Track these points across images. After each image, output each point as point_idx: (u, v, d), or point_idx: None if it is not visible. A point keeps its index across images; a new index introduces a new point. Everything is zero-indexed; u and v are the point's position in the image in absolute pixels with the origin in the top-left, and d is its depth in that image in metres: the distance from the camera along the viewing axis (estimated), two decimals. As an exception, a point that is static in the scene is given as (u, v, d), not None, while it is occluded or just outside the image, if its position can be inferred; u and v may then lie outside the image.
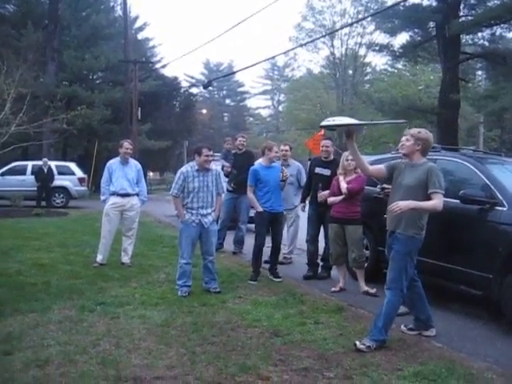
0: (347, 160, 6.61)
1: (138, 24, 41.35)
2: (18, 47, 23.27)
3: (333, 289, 6.68)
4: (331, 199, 6.74)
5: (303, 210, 8.13)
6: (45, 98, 22.59)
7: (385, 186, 5.82)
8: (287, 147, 8.56)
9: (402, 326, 5.03)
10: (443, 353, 4.37)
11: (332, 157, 7.59)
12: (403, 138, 4.79)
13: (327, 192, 7.14)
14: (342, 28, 37.43)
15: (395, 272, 4.58)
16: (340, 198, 6.60)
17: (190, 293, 6.09)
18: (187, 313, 5.32)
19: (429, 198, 4.54)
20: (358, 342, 4.39)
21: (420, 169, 4.62)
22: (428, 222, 4.67)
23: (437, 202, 4.49)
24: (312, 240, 7.54)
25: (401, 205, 4.41)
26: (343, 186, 6.56)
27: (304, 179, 8.25)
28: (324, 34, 38.91)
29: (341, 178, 6.68)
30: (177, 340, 4.52)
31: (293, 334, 4.74)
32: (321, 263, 7.61)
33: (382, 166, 4.99)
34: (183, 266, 6.18)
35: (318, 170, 7.52)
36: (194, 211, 6.17)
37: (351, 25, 37.38)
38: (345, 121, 4.82)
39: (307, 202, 7.94)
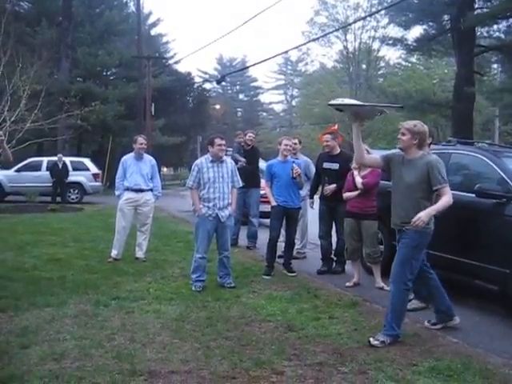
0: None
1: (151, 20, 41.50)
2: (32, 44, 23.43)
3: (347, 284, 6.66)
4: (347, 194, 6.70)
5: (312, 207, 8.08)
6: (59, 94, 22.72)
7: None
8: (296, 141, 8.45)
9: (426, 322, 5.01)
10: (459, 348, 4.35)
11: (338, 150, 7.54)
12: (400, 132, 4.69)
13: (333, 186, 7.15)
14: (355, 22, 37.20)
15: (400, 265, 4.54)
16: (356, 193, 6.56)
17: (204, 287, 6.11)
18: (201, 307, 5.34)
19: (431, 192, 4.50)
20: (371, 339, 4.37)
21: (419, 164, 4.53)
22: (443, 217, 4.62)
23: (447, 197, 4.44)
24: (325, 235, 7.52)
25: (423, 218, 4.33)
26: (358, 180, 6.52)
27: (313, 173, 8.19)
28: (337, 28, 38.69)
29: (355, 172, 6.64)
30: (191, 334, 4.53)
31: (307, 328, 4.74)
32: (335, 258, 7.58)
33: (377, 156, 4.97)
34: (198, 260, 6.20)
35: (326, 164, 7.48)
36: (211, 204, 6.17)
37: (364, 18, 37.08)
38: (353, 102, 4.82)
39: (317, 197, 7.90)
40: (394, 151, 4.97)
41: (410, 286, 4.57)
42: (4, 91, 15.31)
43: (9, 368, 3.74)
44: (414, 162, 4.56)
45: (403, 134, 4.60)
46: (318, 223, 7.62)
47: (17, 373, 3.64)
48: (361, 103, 4.88)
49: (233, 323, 4.85)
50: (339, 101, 4.76)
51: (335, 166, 7.36)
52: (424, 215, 4.34)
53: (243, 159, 9.27)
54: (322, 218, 7.53)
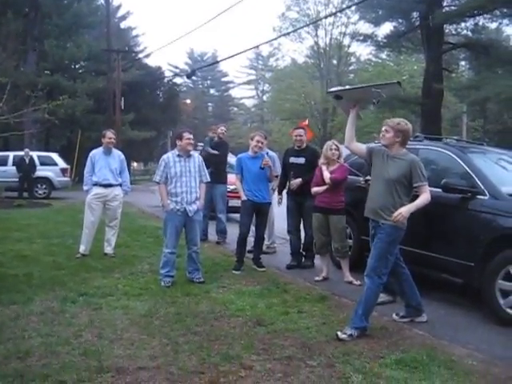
0: (331, 149, 6.63)
1: (120, 13, 40.86)
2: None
3: (316, 278, 6.71)
4: (315, 189, 6.73)
5: (279, 203, 8.00)
6: (25, 87, 22.24)
7: (368, 178, 5.90)
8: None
9: (394, 315, 5.08)
10: (425, 340, 4.42)
11: (304, 145, 7.59)
12: (383, 129, 4.82)
13: (299, 180, 7.20)
14: (325, 17, 37.37)
15: (375, 259, 4.61)
16: (324, 187, 6.60)
17: (173, 283, 6.07)
18: (170, 303, 5.31)
19: (409, 189, 4.65)
20: (339, 333, 4.41)
21: (402, 161, 4.66)
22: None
23: (426, 194, 4.62)
24: (294, 230, 7.55)
25: (404, 213, 4.49)
26: (326, 175, 6.56)
27: (278, 168, 8.09)
28: (308, 23, 38.82)
29: (324, 167, 6.68)
30: (160, 330, 4.50)
31: (276, 323, 4.76)
32: (304, 253, 7.61)
33: (364, 146, 5.12)
34: (167, 255, 6.16)
35: (292, 159, 7.51)
36: (178, 198, 6.14)
37: (335, 14, 37.27)
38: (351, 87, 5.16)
39: (284, 193, 7.88)
40: (378, 145, 5.08)
41: (384, 279, 4.64)
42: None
43: (-28, 367, 3.67)
44: (398, 158, 4.69)
45: (387, 131, 4.73)
46: (286, 218, 7.64)
47: (-20, 371, 3.58)
48: (359, 86, 5.07)
49: (202, 318, 4.84)
50: (338, 88, 4.96)
51: (301, 160, 7.41)
52: (404, 211, 4.50)
53: (215, 151, 9.24)
54: (290, 213, 7.57)
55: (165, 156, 6.36)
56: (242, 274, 6.74)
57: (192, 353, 3.99)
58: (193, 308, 5.17)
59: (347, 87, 5.27)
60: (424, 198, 4.61)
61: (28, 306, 5.08)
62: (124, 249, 8.22)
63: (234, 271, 6.82)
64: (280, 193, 7.97)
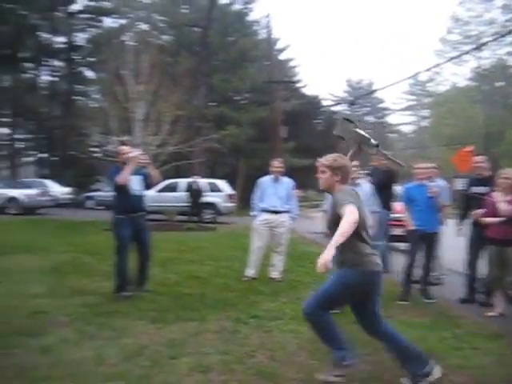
0: (502, 177, 6.21)
1: (279, 46, 42.51)
2: (173, 74, 25.04)
3: (490, 313, 6.30)
4: (488, 220, 6.32)
5: (459, 235, 7.50)
6: (196, 119, 23.98)
7: None
8: (428, 165, 7.89)
9: None
10: None
11: (488, 173, 7.15)
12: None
13: (480, 211, 6.79)
14: (495, 39, 35.24)
15: None
16: (497, 220, 6.15)
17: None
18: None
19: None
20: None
21: None
22: None
23: (343, 222, 3.56)
24: (471, 263, 7.11)
25: (323, 259, 3.46)
26: (501, 207, 6.12)
27: (446, 198, 7.58)
28: (471, 45, 37.09)
29: (498, 197, 6.26)
30: (328, 356, 4.54)
31: (449, 358, 4.57)
32: (483, 289, 7.10)
33: None
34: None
35: (474, 189, 7.13)
36: None
37: (503, 36, 35.16)
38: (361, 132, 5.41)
39: (465, 223, 7.41)
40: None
41: None
42: (149, 117, 16.56)
43: (160, 376, 4.03)
44: None
45: (322, 172, 4.03)
46: (468, 250, 7.20)
47: (169, 381, 3.92)
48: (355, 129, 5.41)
49: (372, 347, 4.79)
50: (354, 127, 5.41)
51: (483, 189, 6.90)
52: (323, 257, 3.48)
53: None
54: (470, 245, 7.13)
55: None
56: (409, 305, 6.58)
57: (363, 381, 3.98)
58: (361, 336, 5.14)
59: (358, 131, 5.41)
60: (342, 222, 3.56)
61: (203, 324, 5.44)
62: (288, 274, 8.41)
63: (400, 301, 6.68)
64: (461, 222, 7.50)
